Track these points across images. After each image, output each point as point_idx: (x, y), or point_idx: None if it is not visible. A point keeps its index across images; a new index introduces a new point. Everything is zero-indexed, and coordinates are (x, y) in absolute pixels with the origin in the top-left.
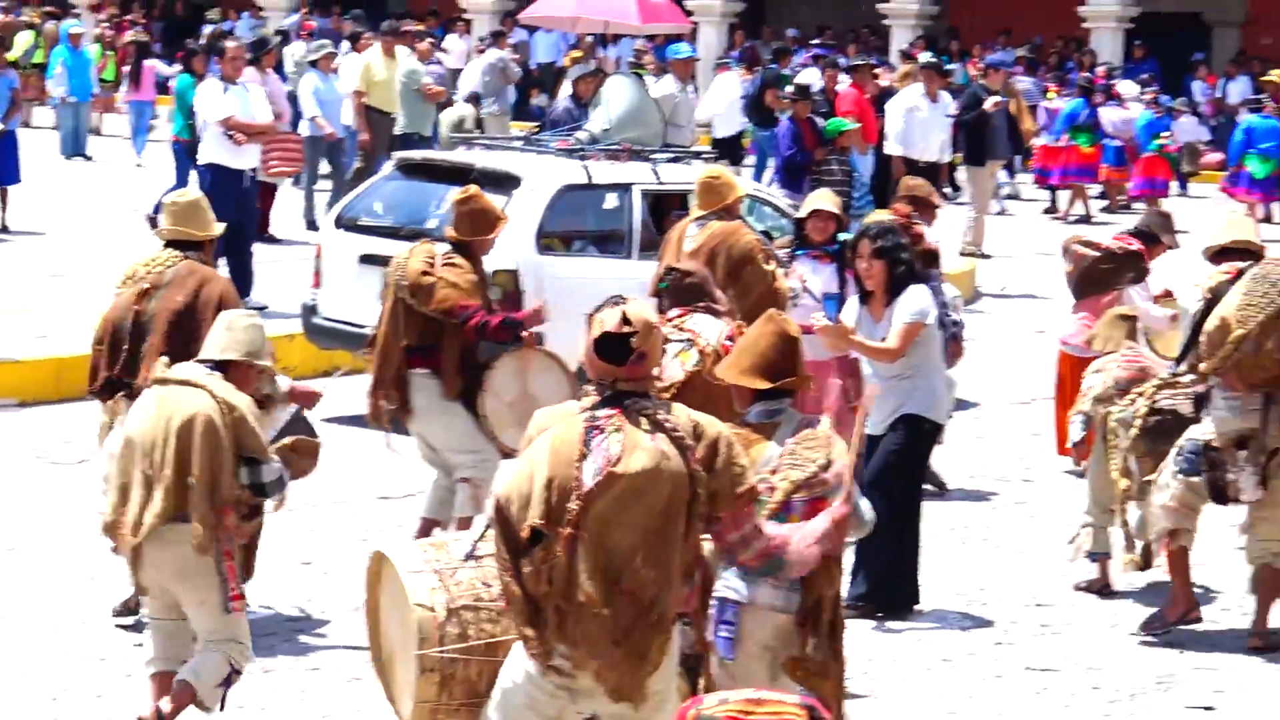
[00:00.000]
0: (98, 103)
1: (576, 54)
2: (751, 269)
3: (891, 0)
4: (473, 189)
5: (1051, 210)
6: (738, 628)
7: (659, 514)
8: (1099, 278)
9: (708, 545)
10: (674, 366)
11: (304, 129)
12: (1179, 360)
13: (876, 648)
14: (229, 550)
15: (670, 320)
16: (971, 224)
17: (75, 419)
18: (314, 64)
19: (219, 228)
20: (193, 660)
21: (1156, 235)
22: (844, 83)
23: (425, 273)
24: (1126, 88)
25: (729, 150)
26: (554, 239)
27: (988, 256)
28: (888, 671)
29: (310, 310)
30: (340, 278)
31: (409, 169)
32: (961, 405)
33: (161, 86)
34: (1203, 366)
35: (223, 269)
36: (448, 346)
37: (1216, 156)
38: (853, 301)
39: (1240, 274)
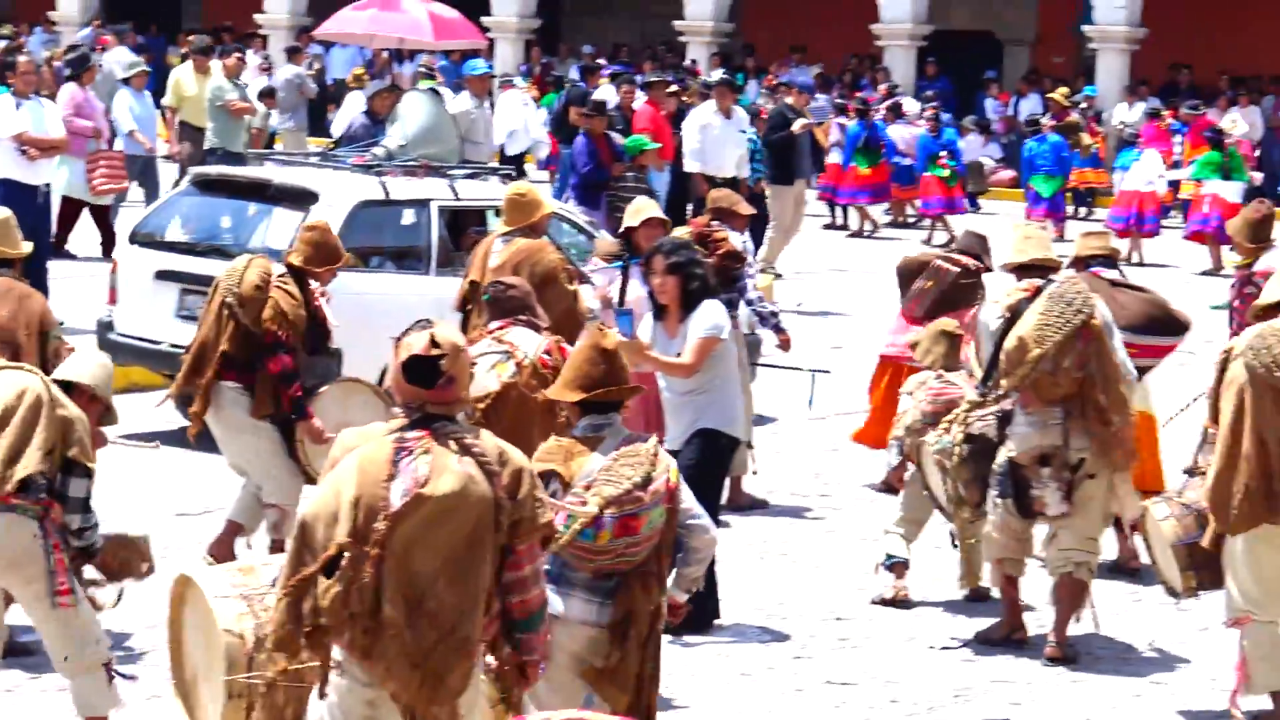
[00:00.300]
0: None
1: (358, 71)
2: (554, 288)
3: (687, 17)
4: (323, 221)
5: (832, 226)
6: (550, 640)
7: (464, 538)
8: (958, 294)
9: None
10: (490, 378)
11: (118, 145)
12: (984, 380)
13: (676, 662)
14: (58, 543)
15: (490, 332)
16: (768, 242)
17: None
18: (127, 81)
19: (28, 246)
20: (74, 697)
21: (985, 251)
22: (640, 99)
23: (259, 287)
24: (911, 106)
25: (518, 169)
26: (352, 255)
27: (779, 275)
28: (687, 686)
29: (106, 326)
30: (136, 294)
31: (205, 184)
32: (759, 421)
33: None
34: (1003, 384)
35: None
36: (264, 365)
37: (1009, 174)
38: (647, 317)
39: (1038, 291)
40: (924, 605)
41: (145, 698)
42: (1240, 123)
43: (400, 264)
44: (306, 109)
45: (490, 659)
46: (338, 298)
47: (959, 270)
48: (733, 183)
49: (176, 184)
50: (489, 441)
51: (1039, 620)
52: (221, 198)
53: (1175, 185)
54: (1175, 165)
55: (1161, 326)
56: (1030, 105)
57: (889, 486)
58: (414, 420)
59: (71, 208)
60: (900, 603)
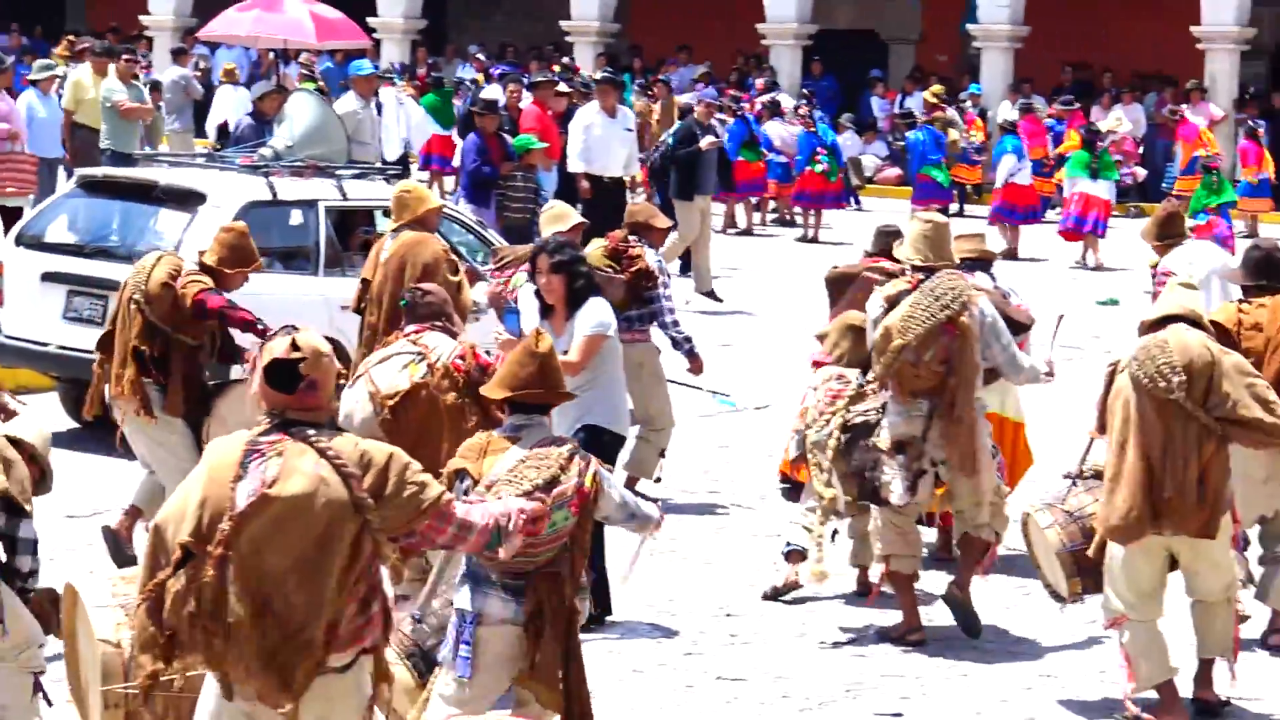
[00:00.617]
0: None
1: (229, 66)
2: (435, 279)
3: (573, 18)
4: (241, 225)
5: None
6: (474, 644)
7: (314, 540)
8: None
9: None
10: (401, 377)
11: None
12: (864, 371)
13: None
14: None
15: (406, 335)
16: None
17: None
18: (35, 83)
19: None
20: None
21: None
22: (527, 99)
23: (166, 284)
24: (788, 103)
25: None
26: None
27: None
28: None
29: None
30: (23, 296)
31: (91, 186)
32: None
33: None
34: (871, 373)
35: None
36: (175, 360)
37: (894, 172)
38: (534, 316)
39: (919, 285)
40: (814, 600)
41: None
42: (1124, 120)
43: (288, 264)
44: (192, 110)
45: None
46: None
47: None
48: (619, 183)
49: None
50: (348, 445)
51: (927, 615)
52: (108, 199)
53: (1049, 177)
54: (1060, 161)
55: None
56: (916, 104)
57: (787, 478)
58: (273, 425)
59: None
60: (789, 588)
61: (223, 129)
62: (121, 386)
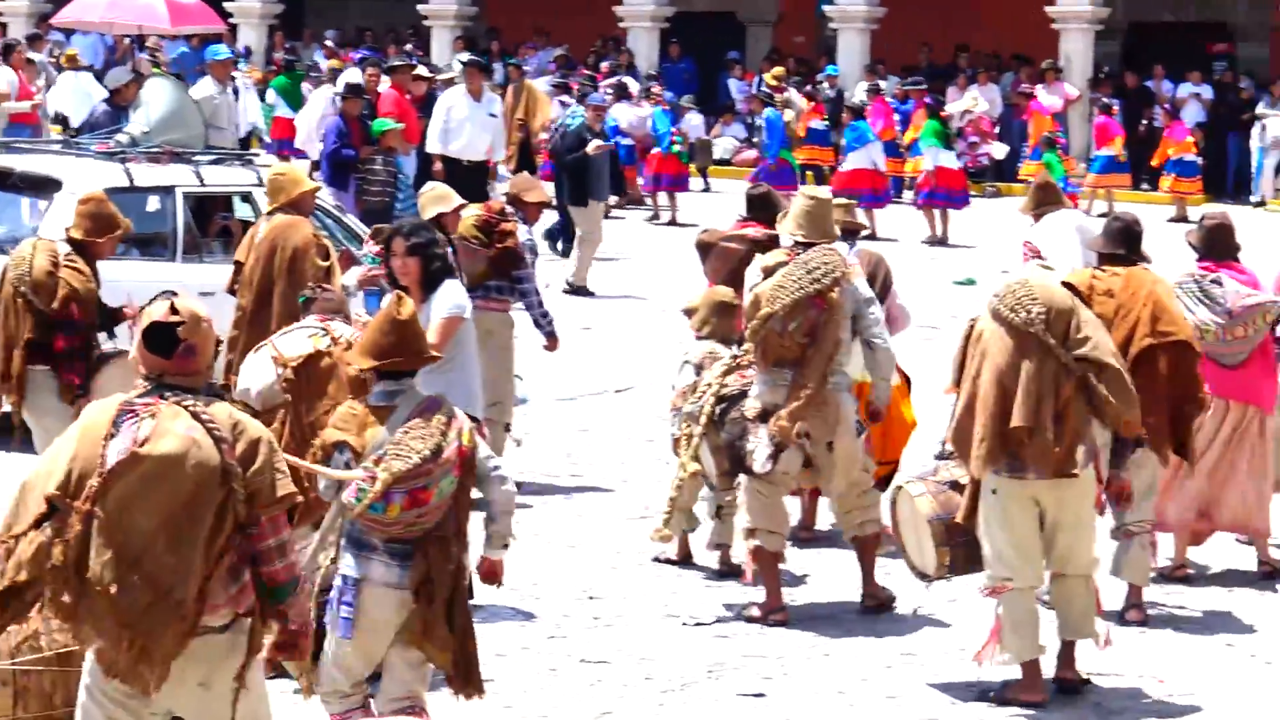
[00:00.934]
0: None
1: (71, 52)
2: (304, 262)
3: (430, 2)
4: (97, 192)
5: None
6: (356, 607)
7: (183, 502)
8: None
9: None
10: (306, 344)
11: None
12: (739, 342)
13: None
14: None
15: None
16: (578, 260)
17: None
18: None
19: None
20: None
21: (774, 212)
22: (385, 83)
23: (50, 272)
24: (635, 86)
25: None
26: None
27: (592, 294)
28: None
29: None
30: None
31: None
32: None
33: None
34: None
35: None
36: (64, 344)
37: (752, 153)
38: (365, 299)
39: (796, 258)
40: (678, 581)
41: None
42: (980, 100)
43: (145, 251)
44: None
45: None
46: None
47: (745, 248)
48: (479, 167)
49: None
50: (222, 412)
51: (789, 595)
52: None
53: (900, 157)
54: (913, 144)
55: None
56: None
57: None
58: (149, 389)
59: None
60: (683, 561)
61: (62, 117)
62: (12, 379)
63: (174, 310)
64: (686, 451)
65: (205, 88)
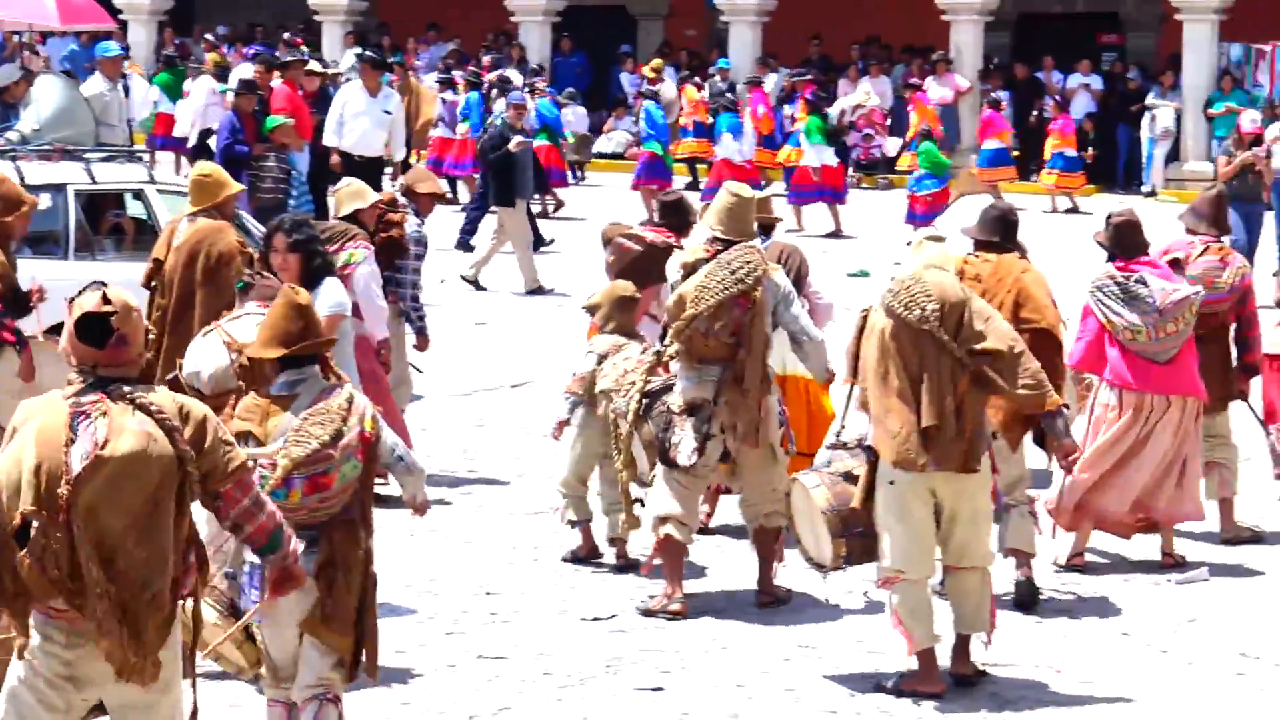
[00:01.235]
0: None
1: None
2: (229, 269)
3: None
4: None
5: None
6: (262, 593)
7: (149, 496)
8: (649, 268)
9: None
10: (255, 330)
11: None
12: (662, 338)
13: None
14: None
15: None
16: (519, 265)
17: None
18: None
19: None
20: None
21: (686, 220)
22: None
23: None
24: (517, 79)
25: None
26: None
27: (548, 291)
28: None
29: None
30: None
31: None
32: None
33: None
34: (667, 341)
35: None
36: None
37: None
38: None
39: (716, 255)
40: (575, 576)
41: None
42: (871, 94)
43: (37, 249)
44: None
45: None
46: None
47: (640, 249)
48: (374, 162)
49: None
50: (166, 399)
51: (688, 588)
52: None
53: (775, 150)
54: (791, 135)
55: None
56: (669, 77)
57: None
58: (88, 384)
59: None
60: (589, 554)
61: None
62: None
63: (106, 300)
64: (617, 452)
65: (95, 85)
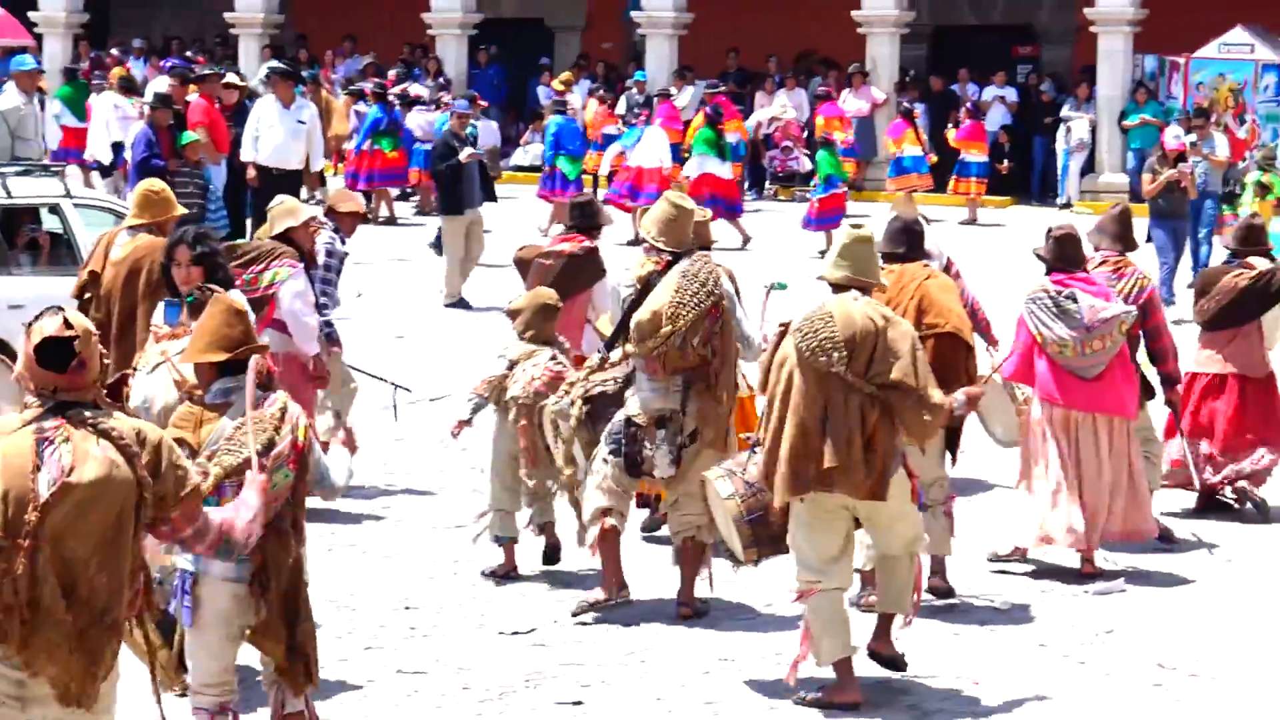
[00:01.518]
0: None
1: None
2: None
3: (237, 9)
4: None
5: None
6: (195, 598)
7: (111, 523)
8: (576, 276)
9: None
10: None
11: None
12: (609, 345)
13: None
14: None
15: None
16: (445, 277)
17: None
18: None
19: None
20: None
21: (595, 222)
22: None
23: None
24: (422, 91)
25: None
26: None
27: (470, 307)
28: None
29: None
30: None
31: None
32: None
33: None
34: (628, 349)
35: None
36: None
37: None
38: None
39: (669, 266)
40: (495, 591)
41: None
42: (788, 107)
43: None
44: None
45: None
46: None
47: (560, 262)
48: (292, 176)
49: None
50: (125, 423)
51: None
52: None
53: (682, 162)
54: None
55: None
56: (583, 90)
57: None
58: (49, 409)
59: None
60: (509, 574)
61: None
62: None
63: (68, 325)
64: (559, 454)
65: (11, 99)
